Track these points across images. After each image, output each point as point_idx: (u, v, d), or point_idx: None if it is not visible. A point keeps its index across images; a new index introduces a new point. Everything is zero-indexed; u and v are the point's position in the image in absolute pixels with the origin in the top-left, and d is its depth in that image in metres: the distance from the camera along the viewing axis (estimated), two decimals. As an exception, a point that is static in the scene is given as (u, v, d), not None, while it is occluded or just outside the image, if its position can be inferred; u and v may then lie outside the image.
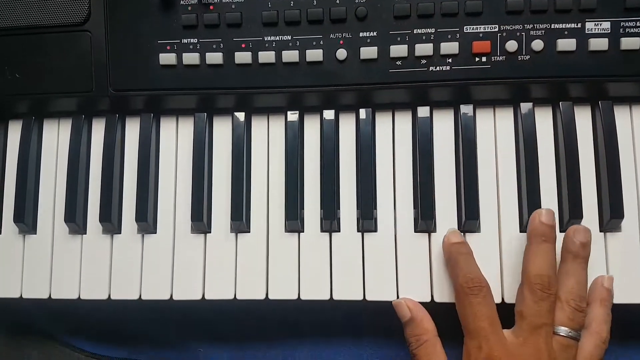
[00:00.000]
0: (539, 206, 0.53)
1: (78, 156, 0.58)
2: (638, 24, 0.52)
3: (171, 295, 0.55)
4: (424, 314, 0.52)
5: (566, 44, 0.53)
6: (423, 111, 0.56)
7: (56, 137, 0.59)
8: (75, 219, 0.57)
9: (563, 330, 0.49)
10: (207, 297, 0.55)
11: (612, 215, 0.52)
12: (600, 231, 0.54)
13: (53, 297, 0.56)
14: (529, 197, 0.54)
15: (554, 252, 0.51)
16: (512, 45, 0.53)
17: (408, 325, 0.52)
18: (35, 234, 0.58)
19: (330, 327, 0.60)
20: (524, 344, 0.48)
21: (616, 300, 0.52)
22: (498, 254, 0.54)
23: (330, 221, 0.54)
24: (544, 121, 0.55)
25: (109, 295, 0.56)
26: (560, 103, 0.55)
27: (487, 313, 0.49)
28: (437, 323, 0.52)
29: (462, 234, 0.54)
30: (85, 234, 0.58)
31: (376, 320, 0.58)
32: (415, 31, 0.54)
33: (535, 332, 0.48)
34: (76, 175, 0.57)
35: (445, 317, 0.52)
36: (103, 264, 0.57)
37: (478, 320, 0.49)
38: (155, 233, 0.57)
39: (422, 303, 0.53)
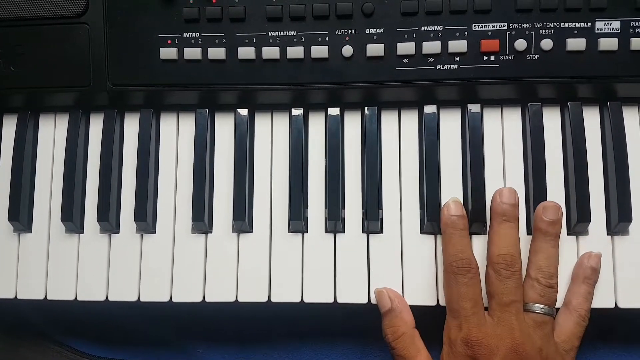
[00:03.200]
0: (546, 208, 0.52)
1: (75, 152, 0.56)
2: (649, 24, 0.52)
3: (171, 297, 0.54)
4: (403, 306, 0.52)
5: (576, 44, 0.52)
6: (430, 109, 0.55)
7: (52, 132, 0.58)
8: (72, 218, 0.55)
9: (537, 307, 0.50)
10: (207, 299, 0.54)
11: (620, 218, 0.52)
12: (608, 234, 0.53)
13: (49, 297, 0.55)
14: (536, 198, 0.53)
15: (516, 230, 0.51)
16: (521, 44, 0.52)
17: (386, 316, 0.52)
18: (31, 232, 0.57)
19: (333, 331, 0.59)
20: (498, 323, 0.49)
21: (623, 305, 0.52)
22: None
23: (334, 222, 0.54)
24: (552, 121, 0.55)
25: (107, 297, 0.55)
26: (569, 103, 0.54)
27: (471, 294, 0.50)
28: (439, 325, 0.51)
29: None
30: (83, 233, 0.56)
31: (381, 324, 0.57)
32: (422, 28, 0.53)
33: (505, 310, 0.49)
34: (73, 172, 0.56)
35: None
36: (100, 264, 0.55)
37: (462, 300, 0.49)
38: (155, 233, 0.56)
39: (427, 307, 0.53)
